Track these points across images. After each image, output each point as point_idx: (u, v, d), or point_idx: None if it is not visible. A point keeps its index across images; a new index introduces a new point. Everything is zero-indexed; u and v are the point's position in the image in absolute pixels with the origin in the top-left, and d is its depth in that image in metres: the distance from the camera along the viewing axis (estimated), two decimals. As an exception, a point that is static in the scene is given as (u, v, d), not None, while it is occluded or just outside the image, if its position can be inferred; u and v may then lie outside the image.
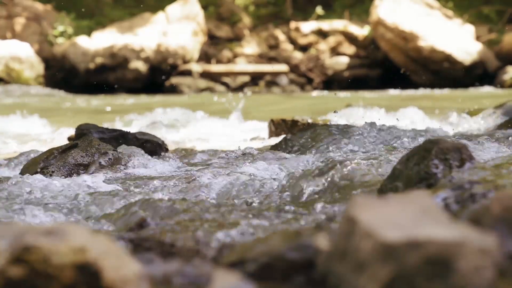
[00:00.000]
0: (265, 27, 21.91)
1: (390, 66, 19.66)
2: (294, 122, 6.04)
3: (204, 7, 21.14)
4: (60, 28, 20.67)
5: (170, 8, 20.34)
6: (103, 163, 3.82)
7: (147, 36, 19.62)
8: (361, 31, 20.79)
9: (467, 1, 21.16)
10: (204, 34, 20.47)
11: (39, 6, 21.09)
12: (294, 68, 20.42)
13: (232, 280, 1.33)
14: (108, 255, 1.30)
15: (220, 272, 1.35)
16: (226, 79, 19.95)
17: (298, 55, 20.75)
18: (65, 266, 1.27)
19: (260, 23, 22.16)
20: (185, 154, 4.35)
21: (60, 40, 20.46)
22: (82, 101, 15.98)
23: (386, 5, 19.48)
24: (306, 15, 22.13)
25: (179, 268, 1.48)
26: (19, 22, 20.56)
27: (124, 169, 3.77)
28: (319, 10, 21.90)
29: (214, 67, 20.12)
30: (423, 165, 2.34)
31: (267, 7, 22.67)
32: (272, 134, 6.19)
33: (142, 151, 4.03)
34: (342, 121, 6.62)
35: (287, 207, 2.63)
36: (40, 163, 3.81)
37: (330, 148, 4.19)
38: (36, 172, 3.69)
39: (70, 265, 1.27)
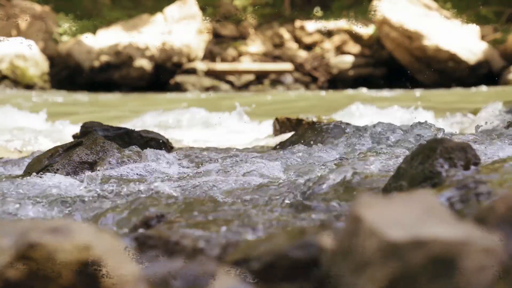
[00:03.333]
0: (270, 26, 21.90)
1: (394, 65, 19.63)
2: (299, 121, 6.04)
3: (202, 8, 21.09)
4: (65, 26, 20.69)
5: (168, 10, 20.31)
6: (107, 161, 3.82)
7: (152, 34, 19.63)
8: (366, 30, 20.78)
9: (465, 2, 21.11)
10: (209, 32, 20.46)
11: (38, 8, 21.08)
12: (298, 67, 20.41)
13: (236, 278, 1.33)
14: (112, 253, 1.30)
15: (224, 270, 1.35)
16: (231, 78, 19.95)
17: (302, 54, 20.75)
18: (69, 263, 1.27)
19: (265, 21, 22.14)
20: (190, 153, 4.35)
21: (64, 38, 20.48)
22: (86, 99, 15.99)
23: (391, 5, 19.47)
24: (304, 16, 22.10)
25: (183, 266, 1.48)
26: (24, 20, 20.57)
27: (129, 167, 3.77)
28: (317, 11, 21.85)
29: (219, 66, 20.12)
30: (427, 164, 2.33)
31: (265, 8, 22.63)
32: (277, 132, 6.19)
33: (147, 149, 4.03)
34: (346, 120, 6.62)
35: (291, 206, 2.63)
36: (45, 161, 3.82)
37: (334, 147, 4.19)
38: (41, 170, 3.70)
39: (74, 262, 1.27)
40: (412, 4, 19.60)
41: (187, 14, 20.08)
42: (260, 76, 20.15)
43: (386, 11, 19.32)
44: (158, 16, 20.27)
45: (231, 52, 20.93)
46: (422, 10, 19.58)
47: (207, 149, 4.52)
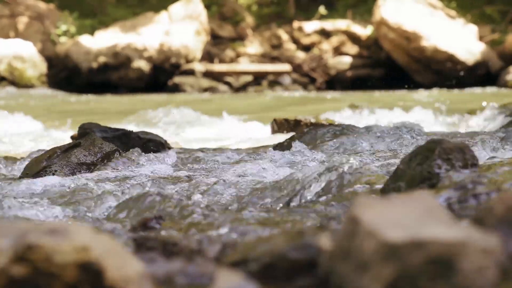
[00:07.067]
0: (268, 27, 21.90)
1: (393, 66, 19.64)
2: (297, 122, 6.04)
3: (207, 6, 21.13)
4: (63, 27, 20.68)
5: (173, 7, 20.33)
6: (105, 162, 3.82)
7: (150, 36, 19.63)
8: (364, 31, 20.78)
9: (470, 1, 21.13)
10: (207, 33, 20.46)
11: (42, 5, 21.10)
12: (297, 68, 20.41)
13: (234, 279, 1.33)
14: (111, 254, 1.30)
15: (223, 272, 1.35)
16: (229, 79, 19.95)
17: (301, 55, 20.75)
18: (67, 265, 1.27)
19: (263, 22, 22.15)
20: (188, 154, 4.35)
21: (63, 39, 20.47)
22: (85, 100, 15.99)
23: (389, 5, 19.47)
24: (309, 15, 22.13)
25: (182, 267, 1.48)
26: (22, 21, 20.57)
27: (127, 168, 3.77)
28: (322, 9, 21.89)
29: (217, 67, 20.11)
30: (426, 165, 2.34)
31: (270, 7, 22.66)
32: (274, 133, 6.19)
33: (145, 150, 4.03)
34: (344, 121, 6.62)
35: (289, 207, 2.63)
36: (43, 162, 3.81)
37: (333, 148, 4.19)
38: (39, 171, 3.70)
39: (73, 264, 1.27)
40: (418, 3, 19.61)
41: (192, 13, 20.08)
42: (258, 77, 20.15)
43: (384, 12, 19.31)
44: (163, 14, 20.27)
45: (229, 53, 20.93)
46: (427, 10, 19.58)
47: (205, 150, 4.51)
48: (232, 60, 20.77)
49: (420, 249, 1.26)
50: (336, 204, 2.55)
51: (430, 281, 1.26)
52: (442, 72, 18.99)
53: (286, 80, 20.16)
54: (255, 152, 4.42)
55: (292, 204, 2.75)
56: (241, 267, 1.50)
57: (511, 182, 2.23)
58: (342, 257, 1.35)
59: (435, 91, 17.05)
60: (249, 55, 20.93)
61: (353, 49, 20.68)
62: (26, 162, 4.07)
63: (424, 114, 8.27)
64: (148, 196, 2.90)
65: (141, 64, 19.30)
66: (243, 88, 19.80)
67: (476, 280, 1.27)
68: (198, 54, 20.06)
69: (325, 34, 21.15)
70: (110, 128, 4.65)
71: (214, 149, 4.58)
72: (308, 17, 22.02)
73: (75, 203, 2.95)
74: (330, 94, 17.23)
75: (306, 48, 21.08)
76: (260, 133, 7.01)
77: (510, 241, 1.44)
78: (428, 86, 18.14)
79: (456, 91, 16.99)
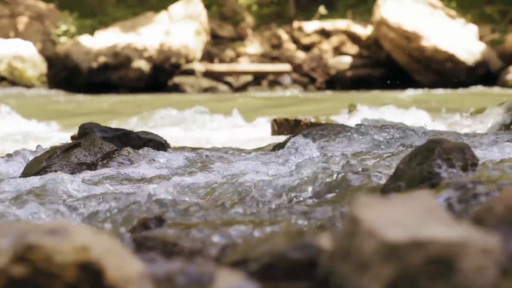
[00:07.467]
0: (268, 27, 21.90)
1: (393, 66, 19.63)
2: (297, 122, 6.04)
3: (207, 6, 21.13)
4: (63, 27, 20.68)
5: (173, 7, 20.33)
6: (106, 162, 3.82)
7: (150, 36, 19.62)
8: (364, 31, 20.78)
9: (470, 1, 21.12)
10: (207, 33, 20.46)
11: (42, 5, 21.09)
12: (297, 68, 20.40)
13: (234, 279, 1.33)
14: (111, 254, 1.30)
15: (223, 272, 1.35)
16: (229, 79, 19.94)
17: (301, 55, 20.74)
18: (68, 265, 1.27)
19: (263, 22, 22.14)
20: (188, 154, 4.35)
21: (63, 39, 20.47)
22: (84, 100, 15.99)
23: (389, 5, 19.46)
24: (309, 15, 22.12)
25: (182, 267, 1.48)
26: (22, 21, 20.57)
27: (127, 168, 3.77)
28: (322, 9, 21.88)
29: (217, 67, 20.11)
30: (426, 165, 2.34)
31: (270, 7, 22.65)
32: (274, 133, 6.19)
33: (145, 150, 4.03)
34: (344, 121, 6.62)
35: (289, 207, 2.63)
36: (43, 162, 3.81)
37: (333, 148, 4.19)
38: (39, 171, 3.70)
39: (73, 264, 1.27)
40: (418, 3, 19.59)
41: (192, 13, 20.07)
42: (258, 77, 20.15)
43: (384, 11, 19.31)
44: (163, 14, 20.26)
45: (229, 53, 20.92)
46: (427, 10, 19.57)
47: (205, 150, 4.52)
48: (232, 60, 20.76)
49: (420, 249, 1.26)
50: (336, 204, 2.55)
51: (430, 281, 1.26)
52: (442, 72, 18.99)
53: (286, 80, 20.15)
54: (255, 152, 4.42)
55: (292, 204, 2.75)
56: (241, 267, 1.50)
57: (511, 181, 2.23)
58: (342, 257, 1.35)
59: (435, 91, 17.05)
60: (249, 55, 20.92)
61: (353, 49, 20.68)
62: (25, 162, 4.06)
63: (423, 113, 8.27)
64: (148, 196, 2.90)
65: (141, 64, 19.30)
66: (243, 88, 19.80)
67: (476, 280, 1.27)
68: (198, 54, 20.06)
69: (325, 34, 21.14)
70: (110, 128, 4.66)
71: (214, 149, 4.58)
72: (308, 17, 22.00)
73: (75, 203, 2.94)
74: (330, 94, 17.23)
75: (306, 48, 21.07)
76: (260, 133, 7.00)
77: (510, 241, 1.44)
78: (428, 86, 18.14)
79: (455, 91, 16.99)
